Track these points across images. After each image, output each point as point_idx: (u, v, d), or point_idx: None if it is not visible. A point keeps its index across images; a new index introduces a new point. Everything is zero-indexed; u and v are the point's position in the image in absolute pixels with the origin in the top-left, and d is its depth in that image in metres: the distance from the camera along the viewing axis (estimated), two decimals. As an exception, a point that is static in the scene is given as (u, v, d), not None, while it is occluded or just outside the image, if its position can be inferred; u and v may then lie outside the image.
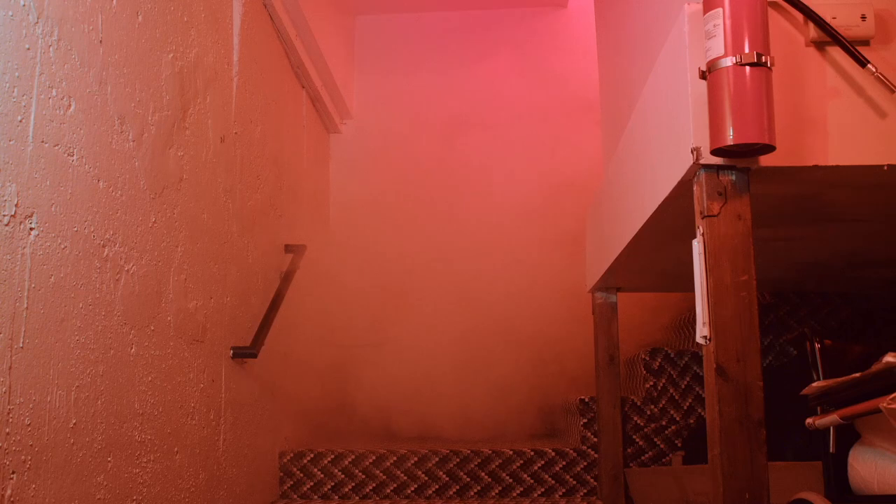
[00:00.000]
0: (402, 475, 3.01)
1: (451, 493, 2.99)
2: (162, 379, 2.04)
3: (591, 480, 2.96)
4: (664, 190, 1.72)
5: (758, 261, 1.50)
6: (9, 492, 1.42)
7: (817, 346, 1.90)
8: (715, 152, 1.46)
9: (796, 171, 1.55)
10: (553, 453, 2.99)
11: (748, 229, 1.50)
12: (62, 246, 1.60)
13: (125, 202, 1.87)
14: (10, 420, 1.43)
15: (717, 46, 1.44)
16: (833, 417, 1.66)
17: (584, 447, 2.98)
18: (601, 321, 2.91)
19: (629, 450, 2.90)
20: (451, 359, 3.89)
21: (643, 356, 3.00)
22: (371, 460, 3.02)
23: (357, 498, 3.01)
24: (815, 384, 1.76)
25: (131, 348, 1.88)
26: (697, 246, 1.52)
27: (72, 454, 1.62)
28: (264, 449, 2.88)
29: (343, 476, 3.02)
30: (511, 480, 2.98)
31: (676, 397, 2.94)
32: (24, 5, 1.51)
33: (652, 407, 2.93)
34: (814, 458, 1.99)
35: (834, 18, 1.54)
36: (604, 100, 3.01)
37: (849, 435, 1.85)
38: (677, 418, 2.92)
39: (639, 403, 2.94)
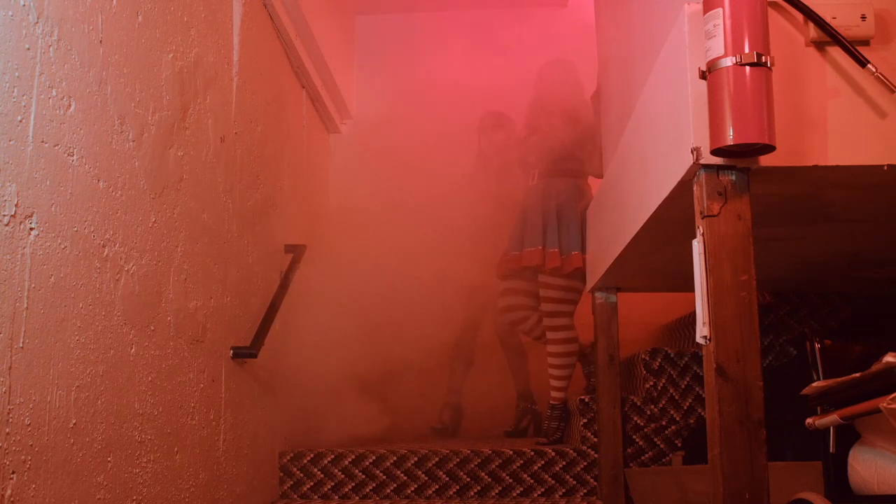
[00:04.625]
0: (402, 475, 3.01)
1: (451, 493, 2.98)
2: (162, 379, 2.04)
3: (591, 480, 2.96)
4: (664, 190, 1.72)
5: (758, 261, 1.50)
6: (9, 492, 1.42)
7: (817, 346, 1.90)
8: (715, 152, 1.46)
9: (796, 171, 1.55)
10: (553, 453, 2.99)
11: (748, 229, 1.50)
12: (62, 246, 1.60)
13: (125, 202, 1.87)
14: (10, 420, 1.43)
15: (717, 46, 1.44)
16: (833, 417, 1.66)
17: (584, 447, 2.98)
18: (601, 321, 2.91)
19: (629, 450, 2.89)
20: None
21: (643, 356, 2.99)
22: (371, 460, 3.02)
23: (357, 498, 3.01)
24: (815, 384, 1.76)
25: (131, 348, 1.88)
26: (697, 246, 1.52)
27: (72, 454, 1.62)
28: (264, 449, 2.88)
29: (343, 476, 3.01)
30: (511, 480, 2.98)
31: (676, 397, 2.94)
32: (24, 5, 1.51)
33: (652, 407, 2.93)
34: (814, 458, 1.99)
35: (834, 18, 1.54)
36: (604, 100, 3.01)
37: (849, 435, 1.84)
38: (677, 418, 2.92)
39: (639, 403, 2.94)
